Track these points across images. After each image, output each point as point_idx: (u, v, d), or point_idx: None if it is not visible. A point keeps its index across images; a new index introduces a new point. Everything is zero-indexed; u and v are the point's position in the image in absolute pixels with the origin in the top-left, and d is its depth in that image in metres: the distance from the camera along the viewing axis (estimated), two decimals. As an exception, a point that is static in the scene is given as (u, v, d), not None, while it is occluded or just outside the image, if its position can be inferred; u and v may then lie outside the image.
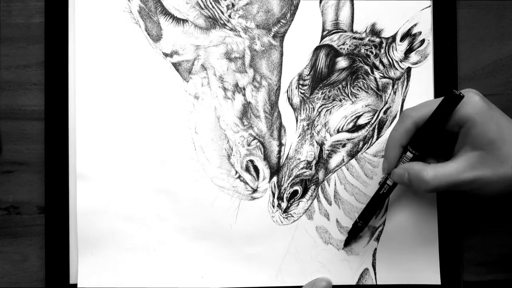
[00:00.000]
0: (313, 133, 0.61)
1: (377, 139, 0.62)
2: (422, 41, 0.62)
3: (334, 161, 0.62)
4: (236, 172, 0.61)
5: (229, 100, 0.61)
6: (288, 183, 0.61)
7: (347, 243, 0.62)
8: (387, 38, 0.62)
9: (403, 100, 0.62)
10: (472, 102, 0.53)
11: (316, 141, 0.61)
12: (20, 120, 0.62)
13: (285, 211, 0.61)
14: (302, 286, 0.61)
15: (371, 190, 0.62)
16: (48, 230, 0.61)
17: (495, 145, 0.52)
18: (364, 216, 0.60)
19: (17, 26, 0.62)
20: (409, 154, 0.56)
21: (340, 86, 0.61)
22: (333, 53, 0.61)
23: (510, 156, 0.52)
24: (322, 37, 0.62)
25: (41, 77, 0.62)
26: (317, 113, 0.61)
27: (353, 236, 0.61)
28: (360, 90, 0.61)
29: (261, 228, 0.61)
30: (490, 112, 0.53)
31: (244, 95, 0.61)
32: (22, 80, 0.62)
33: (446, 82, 0.62)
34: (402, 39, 0.62)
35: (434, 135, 0.54)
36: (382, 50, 0.62)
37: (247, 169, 0.61)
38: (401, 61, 0.62)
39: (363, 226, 0.61)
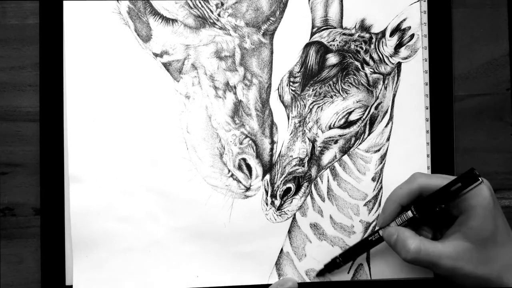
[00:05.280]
0: (304, 130, 0.61)
1: (368, 134, 0.62)
2: (412, 36, 0.62)
3: (326, 158, 0.62)
4: (229, 170, 0.61)
5: (220, 99, 0.61)
6: (281, 181, 0.61)
7: (321, 274, 0.61)
8: (376, 34, 0.62)
9: (394, 95, 0.62)
10: (482, 195, 0.53)
11: (308, 138, 0.62)
12: (15, 122, 0.62)
13: (279, 208, 0.62)
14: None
15: (364, 186, 0.62)
16: (44, 231, 0.61)
17: (486, 244, 0.53)
18: (346, 256, 0.60)
19: (11, 27, 0.63)
20: (409, 213, 0.56)
21: (331, 82, 0.61)
22: (323, 49, 0.62)
23: (495, 259, 0.53)
24: (312, 34, 0.62)
25: (36, 78, 0.62)
26: (309, 110, 0.61)
27: (328, 270, 0.61)
28: (351, 86, 0.61)
29: (255, 226, 0.61)
30: (493, 211, 0.53)
31: (235, 93, 0.61)
32: (17, 82, 0.63)
33: (442, 82, 0.62)
34: (391, 34, 0.62)
35: (439, 205, 0.54)
36: (372, 46, 0.62)
37: (240, 168, 0.61)
38: (391, 56, 0.62)
39: (341, 264, 0.61)
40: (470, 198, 0.53)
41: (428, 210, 0.55)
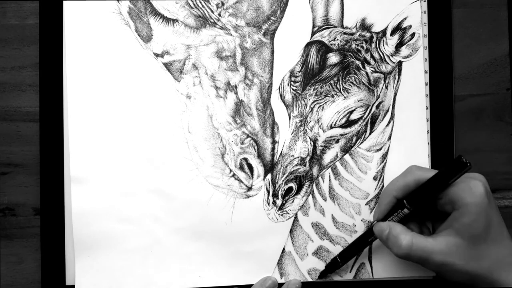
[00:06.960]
0: (306, 130, 0.61)
1: (370, 133, 0.62)
2: (413, 35, 0.62)
3: (328, 157, 0.62)
4: (230, 170, 0.61)
5: (221, 98, 0.61)
6: (283, 180, 0.61)
7: (323, 275, 0.61)
8: (377, 33, 0.62)
9: (395, 94, 0.62)
10: (475, 192, 0.52)
11: (309, 138, 0.62)
12: (15, 122, 0.62)
13: (280, 208, 0.61)
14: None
15: (366, 185, 0.62)
16: (44, 231, 0.61)
17: (478, 241, 0.52)
18: (345, 256, 0.60)
19: (11, 27, 0.63)
20: (405, 211, 0.56)
21: (332, 81, 0.61)
22: (324, 49, 0.62)
23: (486, 256, 0.53)
24: (313, 33, 0.62)
25: (36, 78, 0.62)
26: (310, 109, 0.61)
27: (329, 271, 0.61)
28: (352, 85, 0.61)
29: (257, 226, 0.61)
30: (487, 208, 0.52)
31: (236, 93, 0.61)
32: (17, 82, 0.62)
33: (442, 82, 0.62)
34: (392, 33, 0.62)
35: (431, 196, 0.55)
36: (373, 45, 0.62)
37: (241, 167, 0.61)
38: (392, 55, 0.62)
39: (342, 264, 0.61)
40: (464, 195, 0.53)
41: (420, 202, 0.55)
